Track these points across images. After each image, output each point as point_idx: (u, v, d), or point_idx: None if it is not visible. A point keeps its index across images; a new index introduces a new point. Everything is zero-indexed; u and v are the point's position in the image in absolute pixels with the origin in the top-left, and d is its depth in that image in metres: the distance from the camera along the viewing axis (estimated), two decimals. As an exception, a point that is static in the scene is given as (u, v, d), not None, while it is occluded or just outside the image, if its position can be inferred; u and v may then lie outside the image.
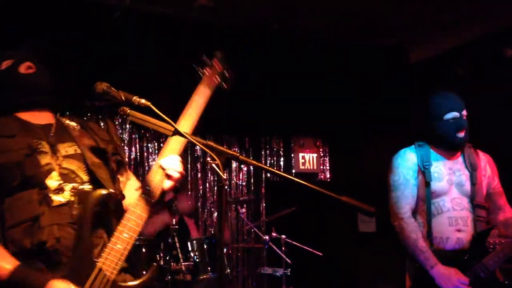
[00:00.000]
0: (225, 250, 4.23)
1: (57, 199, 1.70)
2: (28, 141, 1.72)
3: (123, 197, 1.86)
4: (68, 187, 1.73)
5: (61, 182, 1.72)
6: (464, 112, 2.67)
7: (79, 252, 1.67)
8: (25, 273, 1.60)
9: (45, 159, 1.72)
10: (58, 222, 1.67)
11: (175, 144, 1.81)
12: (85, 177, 1.78)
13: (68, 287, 1.60)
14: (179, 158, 1.79)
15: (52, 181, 1.71)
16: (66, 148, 1.79)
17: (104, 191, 1.72)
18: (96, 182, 1.79)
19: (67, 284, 1.61)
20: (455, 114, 2.64)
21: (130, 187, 1.98)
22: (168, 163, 1.76)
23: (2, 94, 1.84)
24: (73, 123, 1.91)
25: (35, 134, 1.77)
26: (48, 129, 1.80)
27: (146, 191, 1.75)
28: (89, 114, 4.35)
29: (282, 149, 6.05)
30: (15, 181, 1.65)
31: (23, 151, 1.69)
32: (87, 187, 1.77)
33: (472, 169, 2.73)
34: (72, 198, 1.72)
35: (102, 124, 1.97)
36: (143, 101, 1.61)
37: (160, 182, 1.76)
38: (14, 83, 1.83)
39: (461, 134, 2.69)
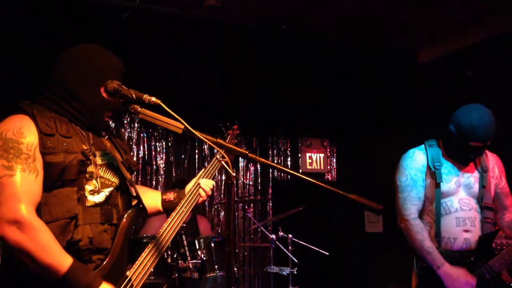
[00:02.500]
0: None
1: (92, 199, 1.75)
2: (81, 147, 1.75)
3: (147, 212, 1.96)
4: (103, 191, 1.79)
5: (97, 187, 1.78)
6: (489, 142, 2.62)
7: (114, 259, 1.74)
8: (83, 271, 1.63)
9: (90, 168, 1.76)
10: (90, 222, 1.72)
11: (212, 169, 2.14)
12: (117, 183, 1.86)
13: None
14: (213, 183, 2.12)
15: (90, 186, 1.76)
16: (102, 157, 1.84)
17: (141, 207, 1.87)
18: (126, 192, 1.89)
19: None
20: (480, 144, 2.60)
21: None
22: (206, 183, 2.08)
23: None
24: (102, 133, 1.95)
25: (83, 139, 1.80)
26: (88, 136, 1.83)
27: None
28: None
29: (289, 149, 6.06)
30: (58, 180, 1.68)
31: (78, 156, 1.72)
32: (118, 192, 1.86)
33: (483, 171, 2.73)
34: (104, 199, 1.78)
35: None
36: (153, 99, 1.64)
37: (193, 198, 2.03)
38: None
39: (476, 157, 2.70)
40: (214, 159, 2.15)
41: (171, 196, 2.10)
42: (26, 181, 1.60)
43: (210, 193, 2.08)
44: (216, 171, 2.15)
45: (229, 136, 2.41)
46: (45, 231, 1.59)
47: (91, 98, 1.79)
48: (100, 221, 1.75)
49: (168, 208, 2.09)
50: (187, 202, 1.99)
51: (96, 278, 1.64)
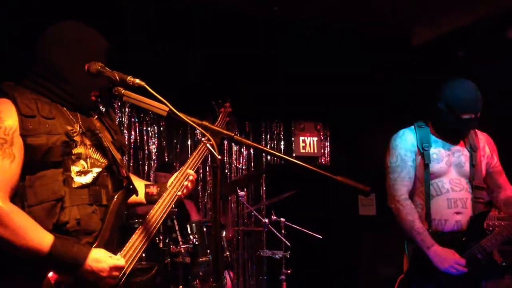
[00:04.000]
0: (224, 233, 4.23)
1: (79, 180, 1.72)
2: (65, 128, 1.71)
3: (137, 193, 1.90)
4: (91, 172, 1.76)
5: (86, 168, 1.74)
6: (479, 114, 2.62)
7: (103, 241, 1.71)
8: (66, 246, 1.60)
9: (76, 149, 1.73)
10: (78, 203, 1.70)
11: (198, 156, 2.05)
12: (107, 163, 1.83)
13: (107, 257, 1.65)
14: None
15: (77, 167, 1.73)
16: (90, 138, 1.80)
17: (130, 189, 1.83)
18: (116, 173, 1.86)
19: (106, 253, 1.66)
20: (471, 115, 2.59)
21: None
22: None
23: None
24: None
25: (69, 120, 1.76)
26: (75, 117, 1.79)
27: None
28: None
29: (282, 132, 6.04)
30: (42, 162, 1.64)
31: (61, 137, 1.68)
32: (108, 173, 1.83)
33: (472, 150, 2.72)
34: (91, 181, 1.75)
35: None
36: (137, 81, 1.60)
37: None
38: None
39: (468, 132, 2.70)
40: (201, 145, 2.09)
41: (154, 190, 2.04)
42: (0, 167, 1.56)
43: (190, 188, 1.99)
44: (206, 155, 2.08)
45: (221, 114, 2.37)
46: (19, 215, 1.57)
47: (77, 76, 1.74)
48: (88, 202, 1.72)
49: (150, 201, 2.04)
50: (169, 193, 1.93)
51: (82, 249, 1.62)
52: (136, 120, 5.15)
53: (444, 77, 2.78)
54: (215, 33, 4.77)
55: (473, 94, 2.60)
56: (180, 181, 1.96)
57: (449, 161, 2.69)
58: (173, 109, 1.57)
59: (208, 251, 3.60)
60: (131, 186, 1.84)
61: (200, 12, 4.65)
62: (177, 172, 2.00)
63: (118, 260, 1.68)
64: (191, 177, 1.98)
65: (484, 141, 2.80)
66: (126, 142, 4.94)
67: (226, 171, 5.62)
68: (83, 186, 1.73)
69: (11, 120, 1.62)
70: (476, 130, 2.81)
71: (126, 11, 4.26)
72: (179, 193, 1.94)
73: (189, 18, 4.62)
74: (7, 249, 1.55)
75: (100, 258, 1.63)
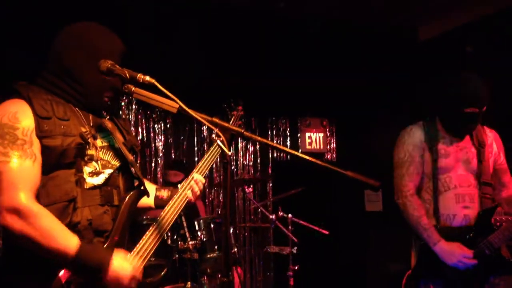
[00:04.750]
0: (232, 229, 4.24)
1: (91, 181, 1.72)
2: (79, 129, 1.71)
3: (148, 195, 1.91)
4: (103, 173, 1.76)
5: (98, 169, 1.75)
6: (484, 108, 2.59)
7: (115, 241, 1.71)
8: (92, 249, 1.61)
9: (89, 151, 1.73)
10: (89, 204, 1.70)
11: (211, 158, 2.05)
12: (118, 164, 1.83)
13: (129, 266, 1.65)
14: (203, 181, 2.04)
15: (89, 168, 1.73)
16: (102, 139, 1.80)
17: (142, 190, 1.83)
18: (128, 173, 1.86)
19: (126, 261, 1.66)
20: (475, 109, 2.56)
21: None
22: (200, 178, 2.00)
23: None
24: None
25: (82, 121, 1.75)
26: (87, 118, 1.79)
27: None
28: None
29: (288, 129, 6.05)
30: (56, 163, 1.64)
31: (76, 139, 1.68)
32: (120, 174, 1.83)
33: (480, 146, 2.71)
34: (103, 181, 1.75)
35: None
36: (147, 78, 1.60)
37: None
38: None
39: (473, 127, 2.67)
40: (213, 146, 2.08)
41: (164, 194, 2.06)
42: (23, 167, 1.57)
43: (198, 192, 2.00)
44: (218, 155, 2.07)
45: (233, 117, 2.37)
46: (46, 216, 1.57)
47: (90, 77, 1.73)
48: (99, 202, 1.73)
49: (159, 205, 2.04)
50: (178, 199, 1.94)
51: (108, 253, 1.63)
52: (143, 117, 5.17)
53: (451, 72, 2.77)
54: (221, 30, 4.77)
55: (477, 87, 2.56)
56: (191, 185, 1.97)
57: (456, 157, 2.69)
58: (183, 105, 1.58)
59: (216, 247, 3.62)
60: (142, 187, 1.85)
61: (207, 8, 4.65)
62: (189, 177, 2.01)
63: (137, 270, 1.69)
64: (200, 183, 1.99)
65: (492, 138, 2.79)
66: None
67: (233, 167, 5.64)
68: (95, 187, 1.73)
69: (28, 120, 1.62)
70: (485, 127, 2.80)
71: (130, 9, 4.26)
72: (190, 196, 1.95)
73: (196, 14, 4.62)
74: (32, 249, 1.55)
75: (123, 267, 1.64)
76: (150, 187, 2.07)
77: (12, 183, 1.54)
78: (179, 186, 2.02)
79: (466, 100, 2.55)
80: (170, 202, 1.92)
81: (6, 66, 3.95)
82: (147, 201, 2.03)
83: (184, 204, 1.94)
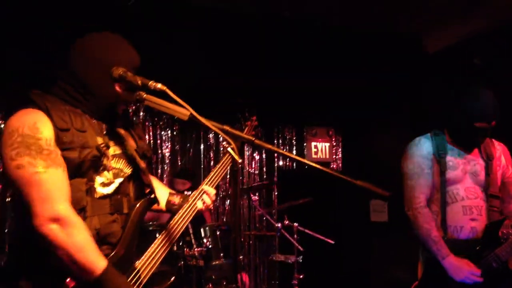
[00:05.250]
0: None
1: (101, 191, 1.73)
2: (95, 141, 1.71)
3: (158, 203, 1.93)
4: (113, 182, 1.77)
5: (110, 179, 1.75)
6: (494, 123, 2.60)
7: (123, 249, 1.72)
8: (115, 275, 1.62)
9: (103, 161, 1.73)
10: (98, 213, 1.71)
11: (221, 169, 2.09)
12: (130, 172, 1.84)
13: None
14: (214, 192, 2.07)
15: (101, 178, 1.73)
16: (115, 147, 1.80)
17: (152, 198, 1.85)
18: (139, 180, 1.86)
19: None
20: (485, 125, 2.57)
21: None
22: (210, 191, 2.03)
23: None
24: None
25: (97, 132, 1.75)
26: (101, 127, 1.79)
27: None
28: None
29: (294, 138, 6.06)
30: (71, 174, 1.64)
31: (92, 151, 1.68)
32: (131, 181, 1.84)
33: (488, 159, 2.71)
34: (113, 191, 1.76)
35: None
36: (159, 85, 1.61)
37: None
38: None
39: (482, 140, 2.68)
40: (225, 157, 2.10)
41: (176, 199, 2.07)
42: (57, 177, 1.58)
43: (210, 204, 2.03)
44: (227, 169, 2.10)
45: (246, 128, 2.39)
46: (83, 229, 1.59)
47: (104, 91, 1.73)
48: (109, 211, 1.73)
49: (170, 210, 2.06)
50: (188, 209, 1.96)
51: (125, 283, 1.65)
52: (150, 124, 5.20)
53: (459, 83, 2.78)
54: (227, 38, 4.79)
55: (488, 103, 2.57)
56: (201, 196, 2.00)
57: (464, 169, 2.69)
58: (194, 113, 1.59)
59: (222, 254, 3.62)
60: (152, 195, 1.86)
61: (213, 15, 4.67)
62: (199, 187, 2.03)
63: None
64: (212, 195, 2.02)
65: (500, 151, 2.79)
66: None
67: (240, 176, 5.63)
68: (105, 197, 1.73)
69: (48, 131, 1.61)
70: (493, 140, 2.80)
71: (130, 9, 4.26)
72: (200, 207, 1.98)
73: (201, 20, 4.64)
74: (63, 259, 1.56)
75: None
76: (163, 190, 2.09)
77: (50, 193, 1.55)
78: (186, 193, 2.04)
79: (476, 114, 2.56)
80: (180, 211, 1.93)
81: (6, 66, 3.98)
82: (160, 203, 2.05)
83: (193, 214, 1.95)
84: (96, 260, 1.58)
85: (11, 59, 4.02)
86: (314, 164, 1.46)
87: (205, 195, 2.00)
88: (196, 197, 1.98)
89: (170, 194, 2.08)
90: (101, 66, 1.73)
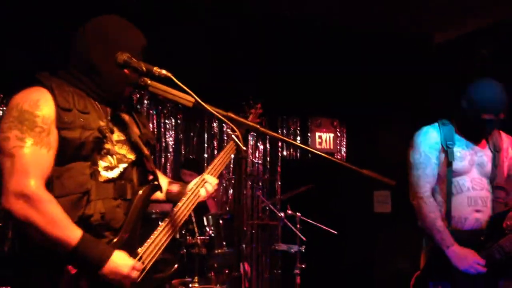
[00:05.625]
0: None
1: (105, 175, 1.73)
2: (98, 123, 1.71)
3: (161, 190, 1.92)
4: (117, 167, 1.77)
5: (113, 163, 1.75)
6: (502, 115, 2.58)
7: (126, 235, 1.72)
8: (93, 243, 1.61)
9: (106, 145, 1.74)
10: (103, 197, 1.70)
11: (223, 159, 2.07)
12: (134, 158, 1.84)
13: (128, 261, 1.66)
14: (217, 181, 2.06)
15: (104, 162, 1.73)
16: (119, 133, 1.81)
17: (155, 185, 1.84)
18: (143, 167, 1.86)
19: (127, 256, 1.67)
20: (492, 116, 2.56)
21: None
22: (211, 180, 2.01)
23: None
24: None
25: (101, 115, 1.75)
26: (105, 111, 1.79)
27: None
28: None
29: (299, 128, 6.04)
30: (73, 155, 1.65)
31: (94, 133, 1.68)
32: (134, 167, 1.83)
33: (495, 150, 2.70)
34: (118, 175, 1.76)
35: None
36: (164, 71, 1.60)
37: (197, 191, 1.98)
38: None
39: (489, 132, 2.68)
40: (228, 144, 2.10)
41: (174, 188, 2.07)
42: (37, 154, 1.57)
43: (212, 192, 2.02)
44: (233, 153, 2.08)
45: (251, 115, 2.38)
46: (53, 204, 1.57)
47: (112, 72, 1.74)
48: (113, 196, 1.73)
49: (169, 200, 2.06)
50: (190, 198, 1.95)
51: (107, 249, 1.63)
52: (154, 112, 5.19)
53: (464, 74, 2.76)
54: (231, 29, 4.77)
55: (496, 94, 2.57)
56: (203, 184, 1.99)
57: (472, 160, 2.68)
58: (199, 100, 1.59)
59: (224, 243, 3.63)
60: (156, 182, 1.85)
61: (218, 8, 4.65)
62: (202, 175, 2.02)
63: (139, 266, 1.70)
64: (214, 183, 2.01)
65: (508, 143, 2.78)
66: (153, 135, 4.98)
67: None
68: (109, 181, 1.73)
69: (49, 109, 1.63)
70: (501, 132, 2.79)
71: (131, 9, 4.25)
72: (203, 195, 1.97)
73: (207, 13, 4.62)
74: (35, 236, 1.56)
75: (122, 257, 1.65)
76: (163, 180, 2.07)
77: (24, 168, 1.55)
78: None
79: (484, 106, 2.55)
80: (183, 198, 1.93)
81: (6, 66, 3.97)
82: (158, 194, 2.04)
83: (196, 202, 1.95)
84: (70, 232, 1.58)
85: (11, 59, 4.01)
86: (319, 153, 1.45)
87: (207, 184, 1.99)
88: (198, 183, 1.97)
89: (169, 183, 2.08)
90: (108, 48, 1.72)
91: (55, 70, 1.77)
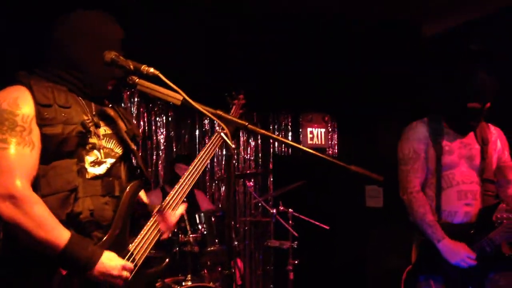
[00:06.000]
0: (232, 223, 4.25)
1: (92, 171, 1.72)
2: (81, 117, 1.70)
3: (150, 184, 1.92)
4: (105, 163, 1.76)
5: (100, 158, 1.74)
6: (488, 104, 2.57)
7: (116, 233, 1.71)
8: (82, 244, 1.59)
9: (91, 139, 1.72)
10: (91, 194, 1.69)
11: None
12: (121, 153, 1.83)
13: (117, 262, 1.65)
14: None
15: (91, 157, 1.72)
16: (105, 127, 1.80)
17: (143, 180, 1.84)
18: (130, 162, 1.86)
19: (116, 257, 1.66)
20: (478, 105, 2.55)
21: None
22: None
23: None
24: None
25: (84, 109, 1.74)
26: (90, 106, 1.78)
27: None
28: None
29: (290, 124, 6.05)
30: (57, 152, 1.63)
31: (77, 127, 1.67)
32: (122, 163, 1.83)
33: (483, 143, 2.71)
34: (105, 171, 1.75)
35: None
36: (151, 70, 1.60)
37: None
38: None
39: (475, 124, 2.66)
40: (215, 135, 2.08)
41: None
42: (21, 154, 1.56)
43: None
44: (217, 148, 2.06)
45: (234, 107, 2.37)
46: (40, 206, 1.56)
47: (93, 66, 1.73)
48: (101, 193, 1.72)
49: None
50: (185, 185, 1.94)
51: (96, 250, 1.62)
52: (145, 110, 5.17)
53: (456, 66, 2.75)
54: (222, 25, 4.75)
55: (482, 83, 2.53)
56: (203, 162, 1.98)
57: (460, 153, 2.69)
58: (187, 98, 1.58)
59: (216, 240, 3.63)
60: (143, 178, 1.85)
61: (211, 5, 4.63)
62: (190, 166, 1.99)
63: (130, 265, 1.70)
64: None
65: (496, 135, 2.79)
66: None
67: (234, 161, 5.64)
68: (97, 177, 1.72)
69: (28, 107, 1.61)
70: (489, 124, 2.80)
71: (130, 8, 4.23)
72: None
73: (199, 8, 4.60)
74: (22, 238, 1.55)
75: (111, 258, 1.64)
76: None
77: (8, 169, 1.53)
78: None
79: (469, 95, 2.54)
80: (171, 192, 1.90)
81: (6, 65, 3.93)
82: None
83: (186, 192, 1.93)
84: (58, 234, 1.56)
85: (11, 58, 3.97)
86: (305, 149, 1.46)
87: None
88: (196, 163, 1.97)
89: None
90: (91, 43, 1.72)
91: (32, 69, 1.75)
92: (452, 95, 2.61)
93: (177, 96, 1.61)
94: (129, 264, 1.69)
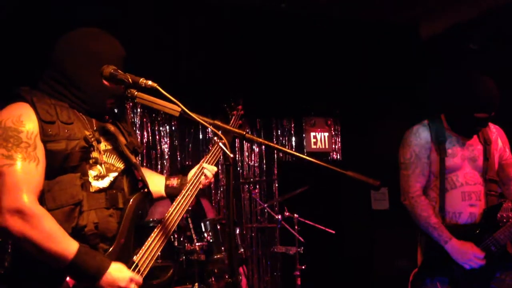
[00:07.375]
0: (238, 230, 4.25)
1: (96, 185, 1.74)
2: (83, 133, 1.73)
3: (152, 196, 1.95)
4: (108, 176, 1.78)
5: (103, 173, 1.77)
6: (493, 113, 2.57)
7: (120, 244, 1.73)
8: (90, 255, 1.62)
9: (93, 153, 1.75)
10: (95, 207, 1.72)
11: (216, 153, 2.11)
12: (123, 167, 1.85)
13: (125, 273, 1.67)
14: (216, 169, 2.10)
15: (94, 171, 1.75)
16: (105, 143, 1.82)
17: (146, 192, 1.86)
18: (132, 175, 1.88)
19: (125, 268, 1.68)
20: (485, 115, 2.55)
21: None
22: (209, 168, 2.06)
23: None
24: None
25: (85, 125, 1.77)
26: (91, 122, 1.81)
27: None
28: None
29: (293, 129, 6.06)
30: (61, 167, 1.66)
31: (80, 142, 1.70)
32: (124, 176, 1.85)
33: (486, 143, 2.71)
34: (108, 184, 1.77)
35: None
36: (150, 82, 1.62)
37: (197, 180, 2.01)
38: None
39: (481, 129, 2.67)
40: (214, 147, 2.13)
41: (174, 182, 2.09)
42: (27, 170, 1.58)
43: (212, 178, 2.05)
44: (220, 155, 2.10)
45: (233, 117, 2.37)
46: (48, 219, 1.58)
47: (91, 85, 1.75)
48: (105, 206, 1.74)
49: (171, 194, 2.08)
50: (191, 187, 1.98)
51: (104, 261, 1.64)
52: (148, 120, 5.20)
53: (456, 69, 2.75)
54: (223, 29, 4.77)
55: (489, 93, 2.53)
56: (201, 173, 2.02)
57: (463, 155, 2.68)
58: (185, 109, 1.60)
59: (223, 248, 3.63)
60: (146, 190, 1.87)
61: (208, 7, 4.64)
62: (197, 165, 2.05)
63: (138, 277, 1.71)
64: (213, 171, 2.04)
65: (496, 134, 2.78)
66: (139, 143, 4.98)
67: (238, 168, 5.65)
68: (100, 190, 1.74)
69: (32, 124, 1.64)
70: (489, 123, 2.79)
71: (128, 7, 4.24)
72: (204, 182, 2.01)
73: (197, 13, 4.61)
74: (32, 252, 1.57)
75: (120, 269, 1.66)
76: (159, 178, 2.11)
77: (16, 185, 1.56)
78: (189, 173, 2.05)
79: (477, 105, 2.53)
80: (178, 197, 1.94)
81: (6, 66, 3.96)
82: (158, 189, 2.08)
83: (196, 192, 1.98)
84: (66, 245, 1.58)
85: (11, 59, 4.00)
86: (301, 155, 1.47)
87: (206, 171, 2.03)
88: (196, 176, 2.01)
89: (167, 178, 2.11)
90: (89, 62, 1.74)
91: (35, 84, 1.77)
92: (459, 103, 2.60)
93: (175, 107, 1.63)
94: (138, 277, 1.71)
